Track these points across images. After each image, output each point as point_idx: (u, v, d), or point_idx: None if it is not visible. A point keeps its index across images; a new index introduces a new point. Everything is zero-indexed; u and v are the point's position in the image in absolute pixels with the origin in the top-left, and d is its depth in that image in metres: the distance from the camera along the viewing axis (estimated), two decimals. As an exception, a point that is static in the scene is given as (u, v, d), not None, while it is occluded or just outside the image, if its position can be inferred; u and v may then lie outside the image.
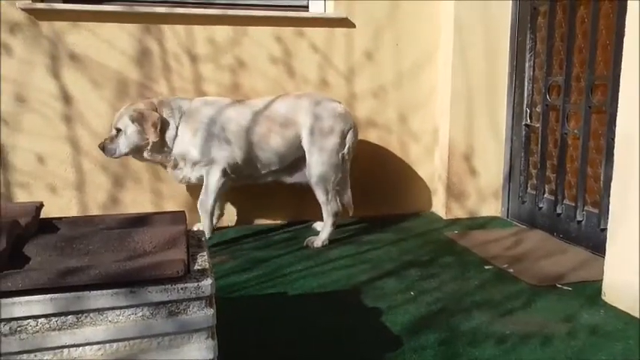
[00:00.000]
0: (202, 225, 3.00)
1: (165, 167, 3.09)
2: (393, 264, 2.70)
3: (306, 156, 2.94)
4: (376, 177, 3.25)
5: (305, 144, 2.94)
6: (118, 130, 2.87)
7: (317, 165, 2.92)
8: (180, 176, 3.04)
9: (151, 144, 2.87)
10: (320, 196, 2.97)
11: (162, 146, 2.92)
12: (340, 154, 2.96)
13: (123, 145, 2.87)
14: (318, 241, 2.97)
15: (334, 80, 3.37)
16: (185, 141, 2.92)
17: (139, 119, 2.83)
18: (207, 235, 2.93)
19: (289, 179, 3.11)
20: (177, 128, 2.92)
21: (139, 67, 3.11)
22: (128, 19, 3.05)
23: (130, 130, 2.85)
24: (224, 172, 2.94)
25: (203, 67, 3.19)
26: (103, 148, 2.89)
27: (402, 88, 3.49)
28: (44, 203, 1.76)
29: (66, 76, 3.03)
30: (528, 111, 3.32)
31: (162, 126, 2.87)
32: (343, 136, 2.96)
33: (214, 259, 2.62)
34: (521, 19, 3.32)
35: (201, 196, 2.99)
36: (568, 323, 2.05)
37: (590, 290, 2.33)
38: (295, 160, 3.01)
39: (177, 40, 3.12)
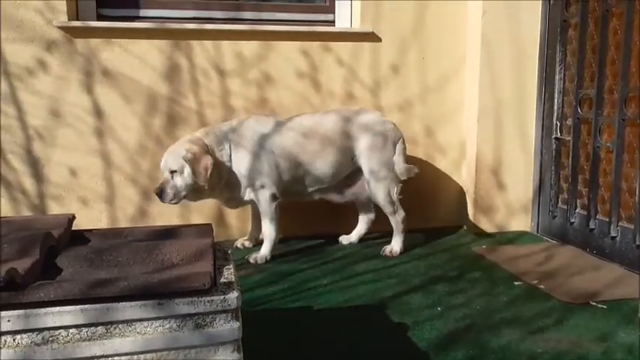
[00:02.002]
0: (264, 250, 2.94)
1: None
2: (420, 279, 2.66)
3: (365, 172, 2.99)
4: (403, 190, 3.22)
5: (362, 160, 2.98)
6: (173, 172, 2.73)
7: (379, 180, 2.97)
8: (234, 203, 3.03)
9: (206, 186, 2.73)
10: (386, 208, 3.03)
11: (219, 182, 2.83)
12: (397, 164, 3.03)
13: (181, 187, 2.73)
14: (395, 250, 3.04)
15: (360, 94, 3.38)
16: (239, 167, 2.87)
17: (191, 160, 2.69)
18: (268, 258, 2.91)
19: (339, 198, 3.12)
20: (230, 157, 2.85)
21: (168, 82, 3.17)
22: (159, 35, 3.12)
23: (187, 170, 2.70)
24: (274, 196, 2.91)
25: (230, 82, 3.23)
26: (160, 193, 2.72)
27: (428, 102, 3.47)
28: (76, 215, 1.81)
29: (99, 91, 3.11)
30: (558, 124, 3.26)
31: (215, 169, 2.74)
32: (394, 148, 3.02)
33: (240, 272, 2.63)
34: (550, 31, 3.28)
35: (263, 226, 2.96)
36: (603, 342, 1.98)
37: (626, 308, 2.26)
38: (345, 177, 3.04)
39: (205, 55, 3.18)
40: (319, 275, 2.71)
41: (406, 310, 2.28)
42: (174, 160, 2.73)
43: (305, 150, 2.92)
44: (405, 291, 2.50)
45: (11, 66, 2.99)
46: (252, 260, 2.89)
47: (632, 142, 2.71)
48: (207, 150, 2.78)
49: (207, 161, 2.71)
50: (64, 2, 2.99)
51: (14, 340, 1.21)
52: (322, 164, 2.95)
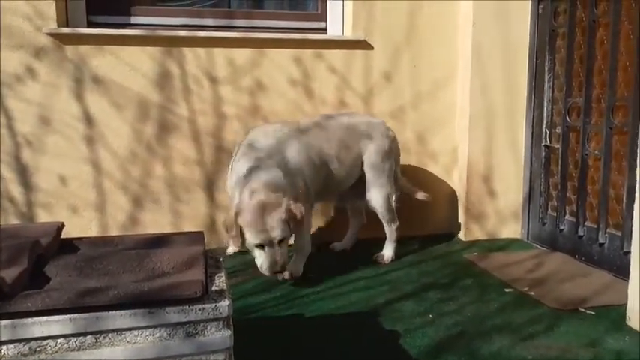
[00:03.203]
0: (296, 264, 2.76)
1: None
2: (412, 286, 2.67)
3: (367, 178, 2.98)
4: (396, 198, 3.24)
5: (367, 167, 2.97)
6: (281, 241, 2.47)
7: (381, 187, 2.98)
8: None
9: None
10: (385, 216, 3.03)
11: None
12: (394, 174, 3.07)
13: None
14: (387, 257, 3.04)
15: (352, 101, 3.39)
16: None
17: (292, 218, 2.49)
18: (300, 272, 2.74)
19: (340, 202, 3.16)
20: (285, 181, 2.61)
21: (159, 90, 3.16)
22: (150, 42, 3.11)
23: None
24: (310, 205, 2.82)
25: (223, 89, 3.23)
26: (283, 272, 2.55)
27: (420, 109, 3.49)
28: (65, 223, 1.79)
29: (89, 98, 3.09)
30: (548, 132, 3.29)
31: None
32: (396, 156, 3.08)
33: (232, 280, 2.61)
34: (539, 41, 3.32)
35: (296, 239, 2.75)
36: (592, 348, 1.99)
37: (614, 315, 2.28)
38: (354, 183, 3.02)
39: (197, 62, 3.18)
40: (312, 282, 2.70)
41: (398, 317, 2.28)
42: (277, 227, 2.44)
43: (330, 157, 2.85)
44: (396, 298, 2.50)
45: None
46: (287, 277, 2.70)
47: (619, 150, 2.74)
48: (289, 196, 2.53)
49: (300, 209, 2.53)
50: (54, 9, 2.97)
51: (0, 350, 1.19)
52: (340, 171, 2.91)
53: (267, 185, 2.49)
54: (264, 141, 2.69)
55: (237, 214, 2.46)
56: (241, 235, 2.48)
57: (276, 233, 2.44)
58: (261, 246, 2.46)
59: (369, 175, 2.99)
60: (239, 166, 2.62)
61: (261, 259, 2.48)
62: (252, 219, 2.43)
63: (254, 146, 2.67)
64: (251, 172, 2.55)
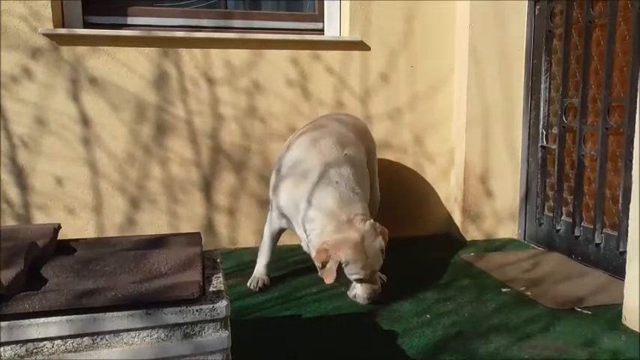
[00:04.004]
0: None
1: None
2: (409, 286, 2.67)
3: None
4: (392, 199, 3.24)
5: (368, 166, 2.94)
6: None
7: (375, 184, 2.98)
8: None
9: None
10: (375, 213, 3.00)
11: None
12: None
13: None
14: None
15: (349, 102, 3.40)
16: None
17: (386, 242, 2.42)
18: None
19: None
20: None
21: (156, 90, 3.16)
22: (147, 43, 3.11)
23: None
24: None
25: (220, 90, 3.23)
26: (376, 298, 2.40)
27: (417, 110, 3.50)
28: (62, 225, 1.79)
29: (85, 99, 3.09)
30: (544, 132, 3.30)
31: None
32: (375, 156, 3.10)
33: (229, 281, 2.61)
34: (536, 41, 3.33)
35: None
36: (588, 348, 2.00)
37: (611, 314, 2.28)
38: None
39: (194, 63, 3.18)
40: (309, 283, 2.70)
41: (396, 318, 2.29)
42: (381, 260, 2.40)
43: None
44: (394, 299, 2.50)
45: (-4, 73, 2.96)
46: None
47: (616, 151, 2.75)
48: (349, 219, 2.36)
49: (380, 239, 2.40)
50: (50, 9, 2.97)
51: (-2, 352, 1.19)
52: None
53: (358, 212, 2.36)
54: (324, 159, 2.48)
55: (334, 249, 2.28)
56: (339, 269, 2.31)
57: (379, 265, 2.39)
58: (361, 279, 2.37)
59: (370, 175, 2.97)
60: (321, 194, 2.39)
61: (359, 290, 2.38)
62: (357, 256, 2.29)
63: (316, 168, 2.45)
64: (331, 199, 2.37)
